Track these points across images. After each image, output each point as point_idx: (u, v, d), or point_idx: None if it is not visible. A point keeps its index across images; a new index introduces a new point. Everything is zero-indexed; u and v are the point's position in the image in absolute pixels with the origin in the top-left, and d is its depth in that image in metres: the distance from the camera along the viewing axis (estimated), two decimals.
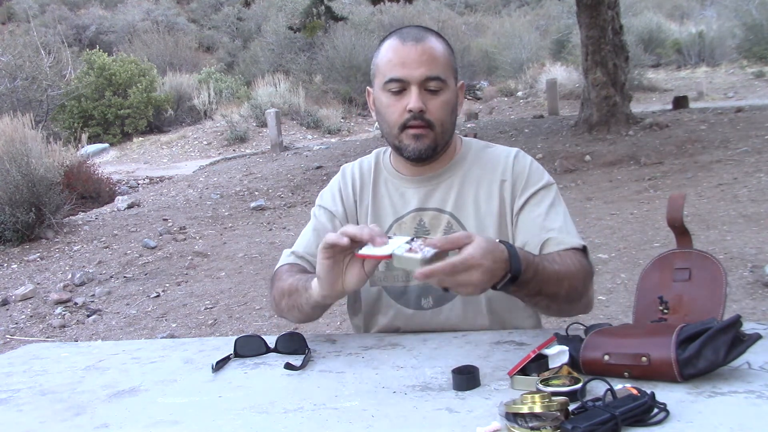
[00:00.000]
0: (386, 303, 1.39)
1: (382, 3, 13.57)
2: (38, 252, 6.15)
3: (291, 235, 6.01)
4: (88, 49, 17.94)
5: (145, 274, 5.38)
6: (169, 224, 6.90)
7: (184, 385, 1.16)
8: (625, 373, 0.96)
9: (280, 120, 12.62)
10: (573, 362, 1.00)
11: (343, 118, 15.68)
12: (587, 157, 7.96)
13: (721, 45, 18.19)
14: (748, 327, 1.05)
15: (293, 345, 1.27)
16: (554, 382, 0.92)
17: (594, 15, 8.92)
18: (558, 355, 1.01)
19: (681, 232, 1.16)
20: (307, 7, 12.58)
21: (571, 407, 0.84)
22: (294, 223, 6.57)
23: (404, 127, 1.31)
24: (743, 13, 18.15)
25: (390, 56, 1.31)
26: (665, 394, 0.89)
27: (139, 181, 10.69)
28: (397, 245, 1.05)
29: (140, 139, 15.09)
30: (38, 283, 5.31)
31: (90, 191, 8.09)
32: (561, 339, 1.05)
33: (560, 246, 1.25)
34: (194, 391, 1.12)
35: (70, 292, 5.08)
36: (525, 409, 0.82)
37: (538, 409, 0.81)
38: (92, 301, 4.87)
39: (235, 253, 5.71)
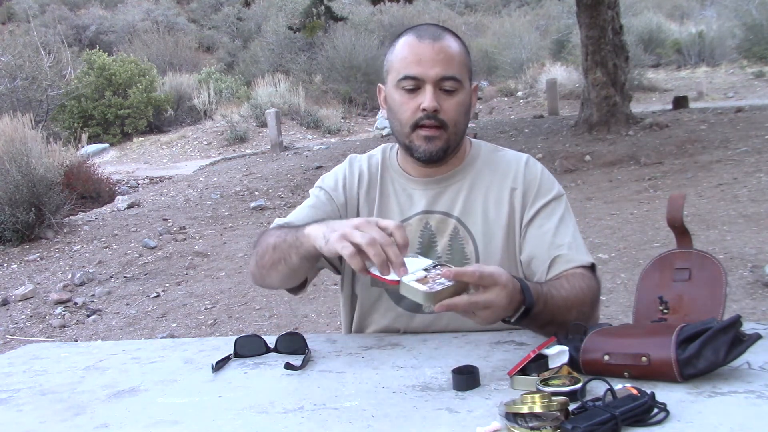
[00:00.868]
0: (387, 305, 1.37)
1: (382, 3, 13.57)
2: (38, 252, 6.15)
3: None
4: (88, 49, 17.94)
5: (145, 274, 5.38)
6: (169, 224, 6.90)
7: (184, 385, 1.16)
8: (625, 373, 0.96)
9: (280, 120, 12.62)
10: (573, 362, 1.00)
11: (343, 118, 15.68)
12: (587, 157, 7.96)
13: (721, 45, 18.18)
14: (748, 327, 1.05)
15: (293, 345, 1.27)
16: (554, 382, 0.92)
17: (594, 15, 8.92)
18: (558, 355, 1.00)
19: (681, 232, 1.16)
20: (307, 7, 12.58)
21: (571, 407, 0.84)
22: None
23: (416, 126, 1.28)
24: (743, 13, 18.14)
25: (405, 53, 1.28)
26: (665, 394, 0.88)
27: (139, 181, 10.69)
28: (414, 267, 1.05)
29: (140, 139, 15.09)
30: (38, 283, 5.31)
31: (90, 191, 8.09)
32: (561, 339, 1.05)
33: (569, 264, 1.25)
34: (194, 391, 1.12)
35: (70, 292, 5.07)
36: (525, 409, 0.82)
37: (538, 409, 0.81)
38: (92, 301, 4.87)
39: (235, 253, 5.71)
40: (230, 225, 6.84)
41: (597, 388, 0.90)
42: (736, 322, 0.93)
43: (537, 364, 1.00)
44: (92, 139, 13.95)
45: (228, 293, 4.73)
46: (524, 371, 0.99)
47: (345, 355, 1.24)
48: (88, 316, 4.58)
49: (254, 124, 14.34)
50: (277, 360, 1.24)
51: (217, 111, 15.55)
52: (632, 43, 13.46)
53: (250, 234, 6.37)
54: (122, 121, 15.21)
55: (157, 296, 4.84)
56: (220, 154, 13.10)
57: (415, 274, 1.05)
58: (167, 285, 5.07)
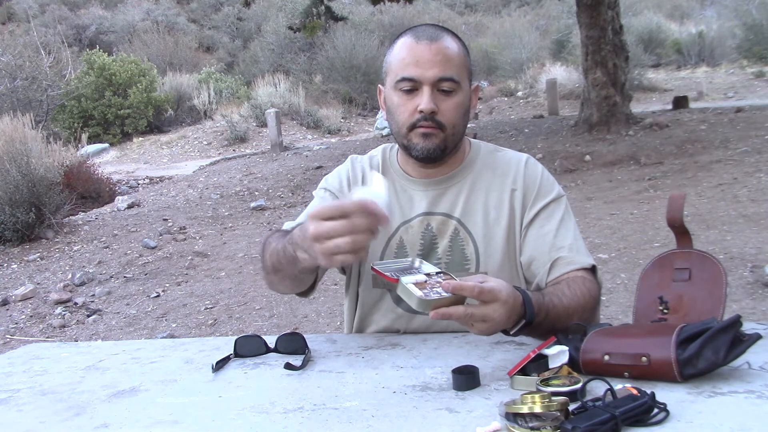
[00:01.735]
0: (388, 306, 1.37)
1: (382, 3, 13.56)
2: (38, 252, 6.15)
3: None
4: (88, 49, 17.93)
5: (145, 274, 5.38)
6: (169, 224, 6.90)
7: (184, 385, 1.16)
8: (625, 373, 0.96)
9: (280, 120, 12.62)
10: (573, 362, 1.00)
11: (343, 118, 15.68)
12: (587, 157, 7.96)
13: (721, 45, 18.17)
14: (748, 327, 1.05)
15: (293, 345, 1.27)
16: (554, 382, 0.92)
17: (594, 15, 8.92)
18: (558, 355, 1.01)
19: (681, 232, 1.16)
20: (307, 7, 12.58)
21: (571, 407, 0.84)
22: None
23: (414, 127, 1.28)
24: (743, 13, 18.13)
25: (403, 55, 1.28)
26: (665, 394, 0.89)
27: (139, 181, 10.69)
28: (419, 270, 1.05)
29: (140, 139, 15.09)
30: (38, 283, 5.31)
31: (90, 191, 8.08)
32: (561, 339, 1.05)
33: (570, 266, 1.25)
34: (194, 391, 1.12)
35: (70, 292, 5.07)
36: (525, 409, 0.82)
37: (538, 409, 0.81)
38: (92, 301, 4.87)
39: (235, 253, 5.71)
40: (230, 225, 6.84)
41: (597, 388, 0.90)
42: (736, 322, 0.93)
43: (537, 364, 1.00)
44: (92, 139, 13.95)
45: (228, 293, 4.73)
46: (524, 371, 0.99)
47: (345, 355, 1.24)
48: (88, 316, 4.58)
49: (254, 124, 14.34)
50: (277, 360, 1.24)
51: (217, 111, 15.54)
52: (632, 43, 13.45)
53: (250, 234, 6.38)
54: (122, 121, 15.20)
55: (157, 296, 4.84)
56: (220, 154, 13.09)
57: (415, 277, 1.05)
58: (167, 285, 5.07)
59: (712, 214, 5.15)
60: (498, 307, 1.01)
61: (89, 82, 14.81)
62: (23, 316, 4.66)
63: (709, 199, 5.68)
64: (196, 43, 24.04)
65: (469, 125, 1.38)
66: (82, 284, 5.22)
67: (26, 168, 6.24)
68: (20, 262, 5.92)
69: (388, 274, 1.07)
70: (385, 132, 12.44)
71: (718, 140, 7.97)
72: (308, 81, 17.48)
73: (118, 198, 8.39)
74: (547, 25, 23.20)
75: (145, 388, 1.16)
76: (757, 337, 0.93)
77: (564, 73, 15.54)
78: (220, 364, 1.23)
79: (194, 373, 1.22)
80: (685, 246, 1.16)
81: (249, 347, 1.29)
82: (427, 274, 1.06)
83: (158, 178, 10.84)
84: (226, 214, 7.34)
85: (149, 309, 4.61)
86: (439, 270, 1.09)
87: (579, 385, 0.90)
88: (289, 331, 1.31)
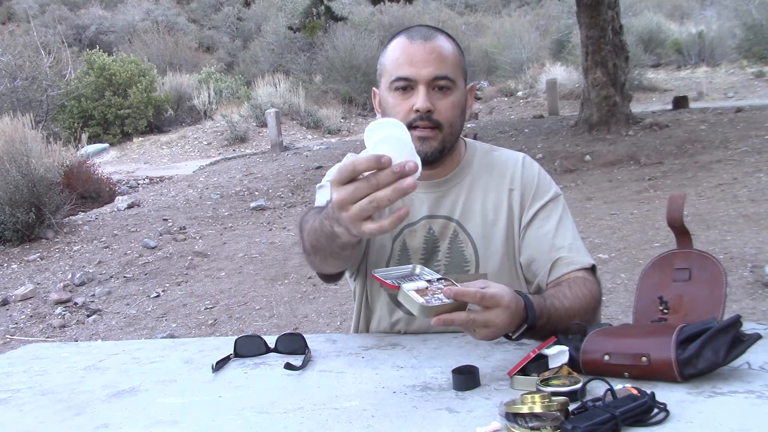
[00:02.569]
0: (390, 307, 1.38)
1: (382, 3, 13.56)
2: (38, 252, 6.15)
3: (291, 235, 6.01)
4: (88, 49, 17.92)
5: (145, 274, 5.38)
6: (169, 224, 6.90)
7: (184, 385, 1.16)
8: (625, 373, 0.96)
9: (280, 120, 12.62)
10: (573, 362, 1.00)
11: (343, 118, 15.68)
12: (587, 157, 7.97)
13: (721, 45, 18.16)
14: (748, 327, 1.05)
15: (293, 345, 1.27)
16: (554, 382, 0.92)
17: (594, 15, 8.92)
18: (558, 355, 1.01)
19: (681, 232, 1.16)
20: (307, 7, 12.57)
21: (571, 407, 0.84)
22: (294, 223, 6.57)
23: (410, 127, 1.26)
24: (743, 13, 18.13)
25: (397, 55, 1.27)
26: (665, 394, 0.89)
27: (139, 181, 10.69)
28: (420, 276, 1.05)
29: (140, 139, 15.09)
30: (38, 283, 5.31)
31: (90, 191, 8.08)
32: (561, 339, 1.05)
33: (570, 267, 1.25)
34: (194, 391, 1.12)
35: (70, 292, 5.07)
36: (525, 409, 0.82)
37: (538, 409, 0.81)
38: (92, 301, 4.87)
39: (235, 253, 5.71)
40: (230, 225, 6.84)
41: (597, 388, 0.90)
42: (736, 322, 0.93)
43: (537, 364, 1.00)
44: (92, 139, 13.95)
45: (228, 293, 4.73)
46: (524, 371, 0.99)
47: (345, 355, 1.24)
48: (88, 316, 4.58)
49: (254, 124, 14.34)
50: (277, 360, 1.24)
51: (217, 111, 15.54)
52: (632, 43, 13.45)
53: (250, 234, 6.38)
54: (122, 121, 15.20)
55: (157, 296, 4.84)
56: (220, 154, 13.09)
57: (416, 284, 1.04)
58: (167, 285, 5.07)
59: (712, 214, 5.16)
60: (500, 312, 1.01)
61: (89, 82, 14.81)
62: (23, 316, 4.66)
63: (709, 199, 5.68)
64: (196, 43, 24.04)
65: (469, 125, 1.38)
66: (82, 284, 5.22)
67: (26, 168, 6.24)
68: (20, 262, 5.92)
69: (389, 281, 1.06)
70: None
71: (718, 140, 7.97)
72: (308, 81, 17.48)
73: (118, 198, 8.39)
74: (547, 25, 23.20)
75: (145, 388, 1.16)
76: (757, 337, 0.93)
77: (564, 73, 15.54)
78: (220, 364, 1.23)
79: (194, 373, 1.22)
80: (685, 246, 1.16)
81: (249, 347, 1.29)
82: (428, 281, 1.06)
83: (158, 178, 10.84)
84: (226, 214, 7.34)
85: (149, 309, 4.61)
86: (440, 276, 1.08)
87: (579, 385, 0.90)
88: (289, 331, 1.31)
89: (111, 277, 5.39)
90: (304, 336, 1.29)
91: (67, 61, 14.65)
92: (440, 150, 1.29)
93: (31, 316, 4.66)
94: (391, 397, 1.00)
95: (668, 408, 0.84)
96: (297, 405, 1.00)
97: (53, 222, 6.56)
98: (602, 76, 9.00)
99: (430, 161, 1.30)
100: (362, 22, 19.34)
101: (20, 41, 14.76)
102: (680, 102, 11.36)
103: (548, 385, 0.91)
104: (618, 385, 0.88)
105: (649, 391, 0.85)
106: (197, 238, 6.40)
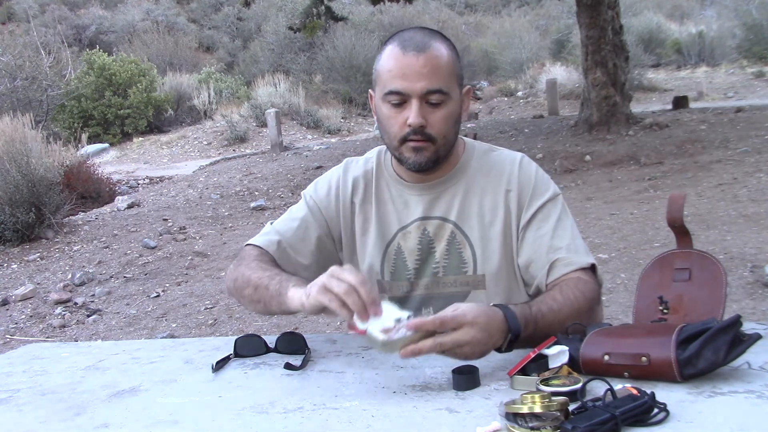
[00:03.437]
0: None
1: (382, 3, 13.55)
2: (38, 252, 6.15)
3: None
4: (88, 49, 17.91)
5: (145, 274, 5.38)
6: (169, 224, 6.90)
7: (184, 385, 1.16)
8: (625, 373, 0.96)
9: (280, 120, 12.61)
10: (573, 362, 1.00)
11: (343, 118, 15.68)
12: (587, 157, 7.96)
13: (721, 45, 18.15)
14: (748, 327, 1.05)
15: (293, 345, 1.27)
16: (554, 382, 0.92)
17: (594, 15, 8.92)
18: (558, 355, 1.01)
19: (681, 232, 1.16)
20: (307, 7, 12.57)
21: (571, 407, 0.84)
22: None
23: (404, 140, 1.27)
24: (743, 13, 18.12)
25: (390, 66, 1.26)
26: (665, 394, 0.89)
27: (139, 181, 10.68)
28: (388, 316, 1.03)
29: (140, 139, 15.08)
30: (38, 283, 5.31)
31: (90, 191, 8.08)
32: (561, 339, 1.05)
33: (568, 267, 1.24)
34: (194, 391, 1.12)
35: (70, 292, 5.07)
36: (525, 409, 0.82)
37: (538, 409, 0.81)
38: (92, 301, 4.87)
39: (235, 253, 5.71)
40: (230, 225, 6.84)
41: (597, 388, 0.90)
42: (736, 322, 0.93)
43: (537, 364, 1.00)
44: (92, 139, 13.94)
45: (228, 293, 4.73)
46: (524, 371, 1.00)
47: (345, 355, 1.24)
48: (88, 316, 4.58)
49: (254, 124, 14.34)
50: (277, 360, 1.24)
51: (217, 111, 15.54)
52: (632, 43, 13.44)
53: (250, 234, 6.33)
54: (122, 121, 15.20)
55: (157, 296, 4.84)
56: (220, 154, 13.09)
57: (383, 324, 1.03)
58: (167, 285, 5.07)
59: (712, 214, 5.15)
60: (468, 329, 1.01)
61: (89, 82, 14.81)
62: (23, 316, 4.66)
63: (709, 199, 5.68)
64: (196, 43, 24.03)
65: (469, 125, 1.39)
66: (82, 284, 5.22)
67: (26, 168, 6.24)
68: (20, 262, 5.92)
69: (361, 327, 1.04)
70: None
71: (718, 140, 7.97)
72: (308, 81, 17.48)
73: (118, 198, 8.39)
74: (547, 25, 23.19)
75: (145, 388, 1.16)
76: (757, 337, 0.93)
77: (564, 73, 15.53)
78: (220, 364, 1.23)
79: (194, 373, 1.22)
80: (685, 246, 1.16)
81: (249, 347, 1.29)
82: (397, 320, 1.03)
83: (158, 178, 10.84)
84: (226, 214, 7.34)
85: (149, 309, 4.60)
86: (410, 314, 1.04)
87: (579, 385, 0.90)
88: (289, 331, 1.31)
89: (111, 277, 5.39)
90: (304, 336, 1.29)
91: (67, 61, 14.65)
92: (434, 160, 1.29)
93: (31, 316, 4.66)
94: (391, 397, 1.00)
95: (668, 408, 0.84)
96: (297, 405, 1.00)
97: (53, 222, 6.56)
98: (602, 76, 8.99)
99: (425, 170, 1.31)
100: (362, 22, 19.34)
101: (20, 41, 14.76)
102: (680, 102, 11.35)
103: (548, 385, 0.91)
104: (618, 385, 0.88)
105: (649, 391, 0.86)
106: (197, 238, 6.40)
